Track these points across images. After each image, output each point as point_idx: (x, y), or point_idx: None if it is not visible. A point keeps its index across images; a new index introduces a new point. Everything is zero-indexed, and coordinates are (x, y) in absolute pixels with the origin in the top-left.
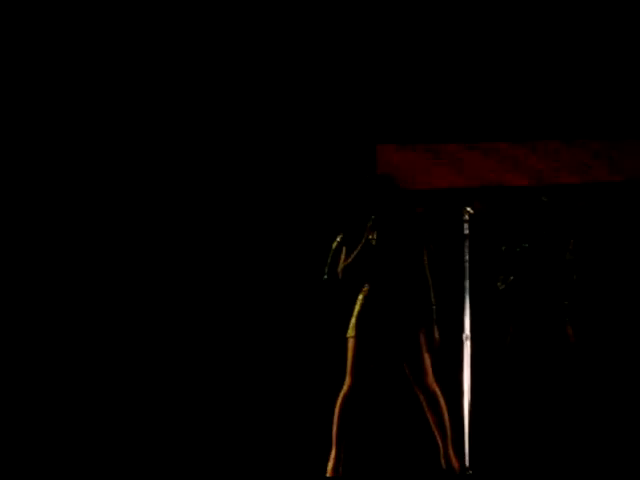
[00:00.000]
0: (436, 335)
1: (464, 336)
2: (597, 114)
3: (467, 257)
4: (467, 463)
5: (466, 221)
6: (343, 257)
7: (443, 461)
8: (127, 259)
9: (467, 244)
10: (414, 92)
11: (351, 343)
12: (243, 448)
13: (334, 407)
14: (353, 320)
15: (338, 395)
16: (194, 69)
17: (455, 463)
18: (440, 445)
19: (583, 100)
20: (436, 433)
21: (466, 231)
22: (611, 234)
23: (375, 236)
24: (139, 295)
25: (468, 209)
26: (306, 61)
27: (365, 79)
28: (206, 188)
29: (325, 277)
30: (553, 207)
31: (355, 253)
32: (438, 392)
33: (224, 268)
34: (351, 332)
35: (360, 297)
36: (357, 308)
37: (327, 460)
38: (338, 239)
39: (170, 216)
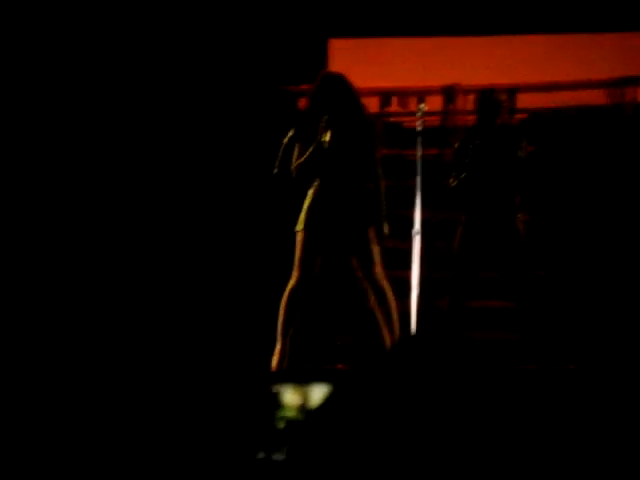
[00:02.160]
0: (385, 230)
1: (414, 231)
2: (568, 7)
3: (419, 153)
4: None
5: (420, 118)
6: (296, 154)
7: None
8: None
9: (420, 140)
10: None
11: (299, 237)
12: (187, 342)
13: (280, 301)
14: (302, 214)
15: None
16: None
17: None
18: (387, 340)
19: None
20: (383, 328)
21: (419, 128)
22: (567, 133)
23: (328, 136)
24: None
25: (421, 106)
26: None
27: None
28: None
29: (275, 171)
30: (508, 105)
31: (308, 153)
32: (387, 286)
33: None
34: (300, 226)
35: (310, 192)
36: (307, 202)
37: (272, 354)
38: (289, 135)
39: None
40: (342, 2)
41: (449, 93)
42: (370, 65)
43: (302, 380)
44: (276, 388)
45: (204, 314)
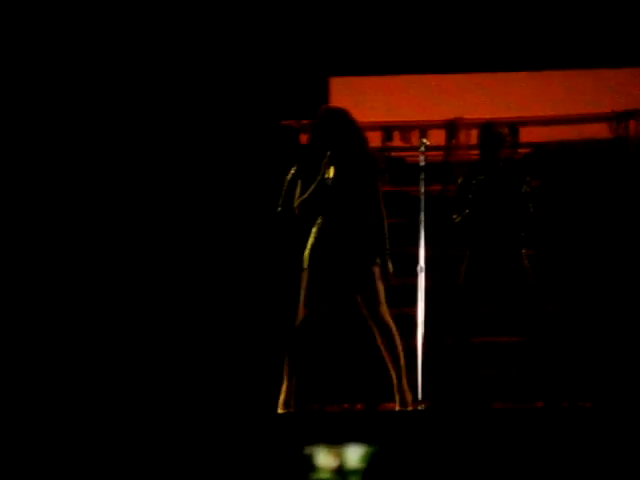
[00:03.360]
0: (390, 267)
1: (418, 268)
2: (570, 43)
3: (423, 189)
4: (420, 396)
5: (422, 153)
6: (298, 191)
7: (397, 394)
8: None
9: (423, 176)
10: (369, 20)
11: (304, 275)
12: (195, 380)
13: (286, 340)
14: (306, 252)
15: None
16: None
17: (408, 396)
18: (393, 378)
19: (556, 29)
20: (389, 366)
21: (422, 163)
22: (570, 167)
23: (331, 173)
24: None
25: (424, 140)
26: None
27: (317, 9)
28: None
29: (279, 209)
30: (510, 139)
31: (311, 189)
32: (391, 324)
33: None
34: (304, 264)
35: (314, 230)
36: (310, 240)
37: (278, 393)
38: (292, 171)
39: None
40: (343, 41)
41: (451, 128)
42: (371, 101)
43: (335, 441)
44: (309, 449)
45: (210, 354)
